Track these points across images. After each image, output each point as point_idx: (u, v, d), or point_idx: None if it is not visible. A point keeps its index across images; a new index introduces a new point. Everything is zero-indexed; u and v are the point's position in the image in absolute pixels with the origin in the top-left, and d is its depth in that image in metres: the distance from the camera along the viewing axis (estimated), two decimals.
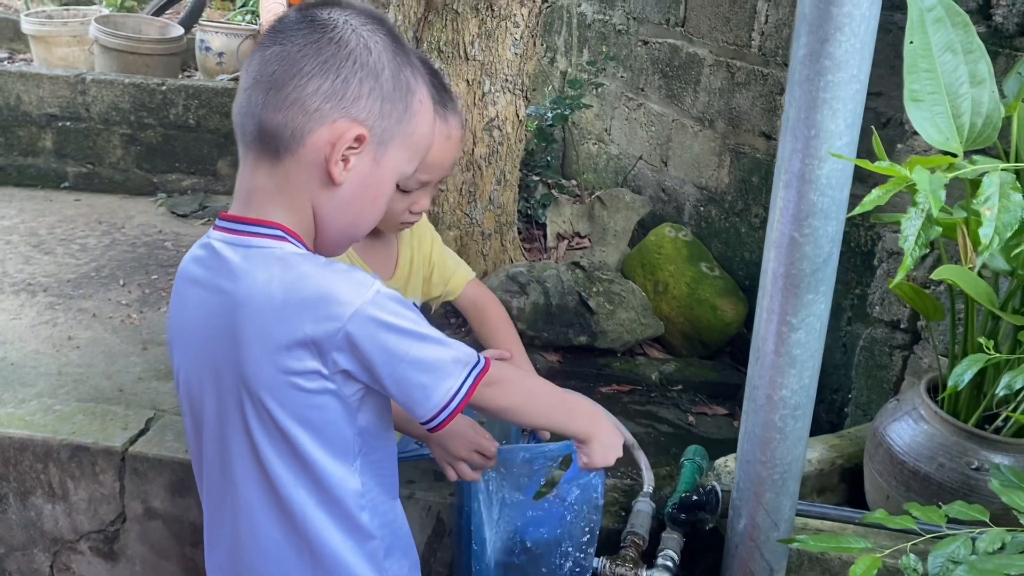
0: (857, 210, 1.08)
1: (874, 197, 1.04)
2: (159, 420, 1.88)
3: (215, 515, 1.11)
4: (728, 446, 2.64)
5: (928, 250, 1.01)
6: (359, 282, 0.96)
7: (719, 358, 2.91)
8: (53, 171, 4.15)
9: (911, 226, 1.00)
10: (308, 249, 1.01)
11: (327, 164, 0.98)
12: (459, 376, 1.00)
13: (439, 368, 0.99)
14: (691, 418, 2.63)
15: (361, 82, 0.97)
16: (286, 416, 0.98)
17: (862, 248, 2.37)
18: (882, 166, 1.06)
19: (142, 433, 1.84)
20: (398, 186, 1.28)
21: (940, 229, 0.99)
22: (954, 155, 1.37)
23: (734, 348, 2.92)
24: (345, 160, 0.99)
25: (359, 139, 0.98)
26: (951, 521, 1.14)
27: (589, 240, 3.19)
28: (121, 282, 3.23)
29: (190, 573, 1.85)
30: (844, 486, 1.96)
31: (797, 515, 1.49)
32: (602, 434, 1.20)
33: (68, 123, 4.06)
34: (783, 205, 1.25)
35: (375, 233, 1.37)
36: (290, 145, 0.97)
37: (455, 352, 1.01)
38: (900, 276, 1.00)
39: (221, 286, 1.00)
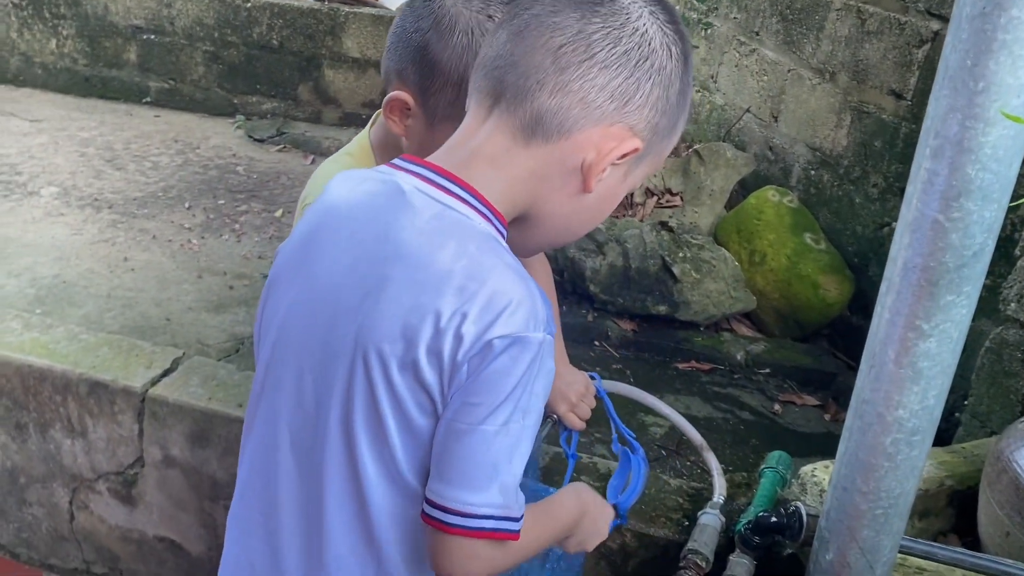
0: None
1: None
2: (187, 361, 1.74)
3: (265, 494, 0.92)
4: (816, 442, 2.37)
5: None
6: (539, 318, 0.81)
7: (815, 342, 2.61)
8: (136, 85, 4.07)
9: None
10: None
11: (586, 170, 0.83)
12: (486, 507, 0.80)
13: (481, 478, 0.80)
14: (777, 406, 2.36)
15: (652, 89, 0.83)
16: (392, 408, 0.82)
17: (1000, 232, 2.03)
18: None
19: (166, 373, 1.70)
20: None
21: None
22: None
23: (833, 332, 2.61)
24: (603, 169, 0.84)
25: (633, 153, 0.84)
26: None
27: (681, 198, 2.90)
28: (187, 205, 3.12)
29: (207, 528, 1.71)
30: (951, 511, 1.68)
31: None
32: (579, 532, 1.02)
33: (152, 36, 3.96)
34: (927, 178, 0.97)
35: None
36: (551, 134, 0.82)
37: (509, 484, 0.81)
38: None
39: (390, 234, 0.82)
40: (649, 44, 0.82)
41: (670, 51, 0.83)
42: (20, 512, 1.87)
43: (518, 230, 0.88)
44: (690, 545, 1.31)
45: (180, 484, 1.69)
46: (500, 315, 0.78)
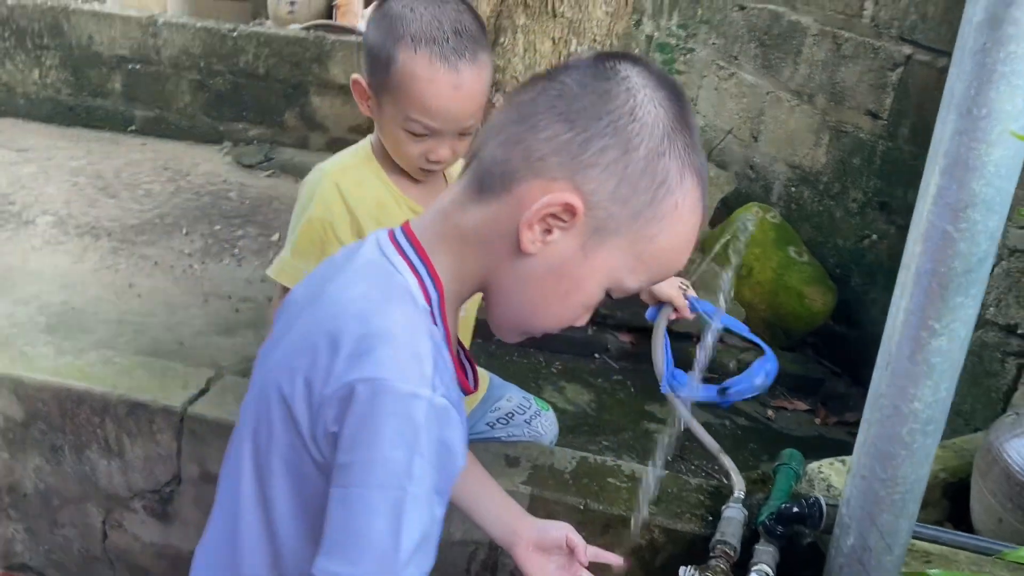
0: None
1: None
2: (220, 381, 1.79)
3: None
4: (807, 444, 2.49)
5: None
6: (418, 373, 0.74)
7: (801, 350, 2.75)
8: (121, 114, 4.10)
9: None
10: (440, 309, 0.82)
11: (520, 223, 0.77)
12: None
13: (352, 547, 0.74)
14: (770, 412, 2.48)
15: (605, 149, 0.75)
16: (273, 448, 0.81)
17: None
18: None
19: (202, 393, 1.75)
20: (411, 131, 1.22)
21: None
22: None
23: (817, 340, 2.75)
24: (548, 231, 0.78)
25: (569, 210, 0.76)
26: None
27: None
28: (184, 231, 3.16)
29: None
30: (946, 502, 1.80)
31: None
32: None
33: (138, 66, 4.00)
34: (937, 193, 1.09)
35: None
36: (496, 187, 0.79)
37: (387, 555, 0.73)
38: None
39: (327, 279, 0.86)
40: (610, 102, 0.76)
41: (634, 114, 0.76)
42: (51, 534, 1.90)
43: (488, 307, 0.87)
44: (718, 536, 1.41)
45: None
46: (368, 355, 0.74)
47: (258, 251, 3.07)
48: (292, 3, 5.03)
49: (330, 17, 5.14)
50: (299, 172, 3.80)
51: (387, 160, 1.31)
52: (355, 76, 1.28)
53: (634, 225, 0.78)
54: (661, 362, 1.55)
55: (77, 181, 3.52)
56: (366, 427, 0.73)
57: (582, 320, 0.87)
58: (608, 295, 0.84)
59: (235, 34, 3.90)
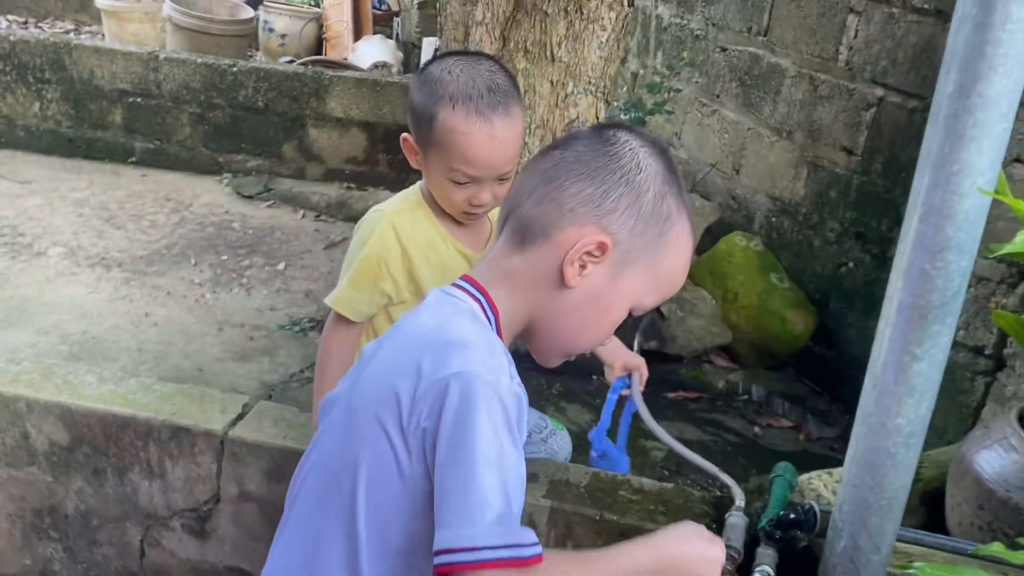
0: (1007, 250, 1.08)
1: None
2: (255, 406, 1.92)
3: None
4: (794, 459, 2.64)
5: None
6: (497, 365, 0.91)
7: (783, 370, 2.92)
8: (121, 146, 4.21)
9: None
10: (496, 327, 1.00)
11: (563, 264, 0.98)
12: (486, 540, 0.83)
13: (475, 512, 0.84)
14: (757, 429, 2.64)
15: (621, 197, 0.97)
16: (361, 462, 0.94)
17: None
18: None
19: (240, 417, 1.88)
20: (454, 180, 1.38)
21: None
22: None
23: (799, 361, 2.92)
24: (583, 266, 0.98)
25: (601, 247, 0.97)
26: None
27: None
28: (192, 261, 3.28)
29: None
30: (923, 509, 1.97)
31: None
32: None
33: (139, 99, 4.12)
34: (916, 237, 1.26)
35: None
36: (536, 237, 0.99)
37: (504, 510, 0.84)
38: None
39: (396, 328, 1.04)
40: (618, 161, 0.98)
41: (639, 168, 0.98)
42: (90, 553, 2.01)
43: (532, 340, 1.05)
44: (724, 541, 1.56)
45: (255, 517, 1.86)
46: (453, 354, 0.89)
47: (266, 280, 3.19)
48: (283, 36, 5.17)
49: (320, 50, 5.29)
50: (297, 202, 3.93)
51: (435, 205, 1.48)
52: (404, 135, 1.44)
53: (649, 253, 1.00)
54: (658, 427, 1.73)
55: (82, 212, 3.62)
56: (464, 411, 0.86)
57: (608, 338, 1.08)
58: (630, 314, 1.05)
59: (235, 69, 4.03)
